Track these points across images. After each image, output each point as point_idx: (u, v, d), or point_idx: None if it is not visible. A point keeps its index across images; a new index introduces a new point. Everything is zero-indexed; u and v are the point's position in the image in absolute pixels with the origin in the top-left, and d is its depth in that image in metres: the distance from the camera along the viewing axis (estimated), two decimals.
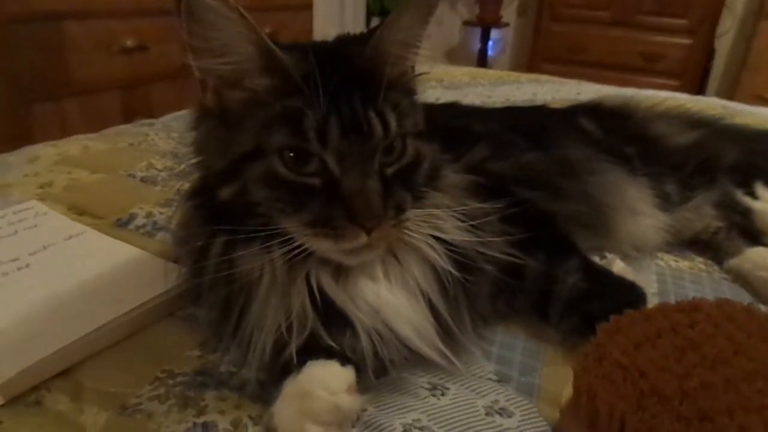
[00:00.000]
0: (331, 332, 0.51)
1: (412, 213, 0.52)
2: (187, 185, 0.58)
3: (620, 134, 0.92)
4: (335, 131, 0.48)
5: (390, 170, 0.52)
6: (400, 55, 0.54)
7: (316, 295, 0.51)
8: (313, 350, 0.51)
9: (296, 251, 0.50)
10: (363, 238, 0.48)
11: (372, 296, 0.52)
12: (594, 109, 1.03)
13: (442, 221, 0.55)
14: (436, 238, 0.54)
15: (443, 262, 0.54)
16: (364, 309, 0.52)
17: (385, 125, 0.50)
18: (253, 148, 0.50)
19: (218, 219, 0.52)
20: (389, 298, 0.53)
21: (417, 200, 0.54)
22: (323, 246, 0.50)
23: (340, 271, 0.53)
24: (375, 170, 0.50)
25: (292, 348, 0.50)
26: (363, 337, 0.51)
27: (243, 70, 0.50)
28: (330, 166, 0.49)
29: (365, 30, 0.58)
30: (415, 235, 0.53)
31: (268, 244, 0.50)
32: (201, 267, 0.53)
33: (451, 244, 0.54)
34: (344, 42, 0.57)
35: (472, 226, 0.55)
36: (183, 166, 0.57)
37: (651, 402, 0.41)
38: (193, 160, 0.56)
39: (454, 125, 0.73)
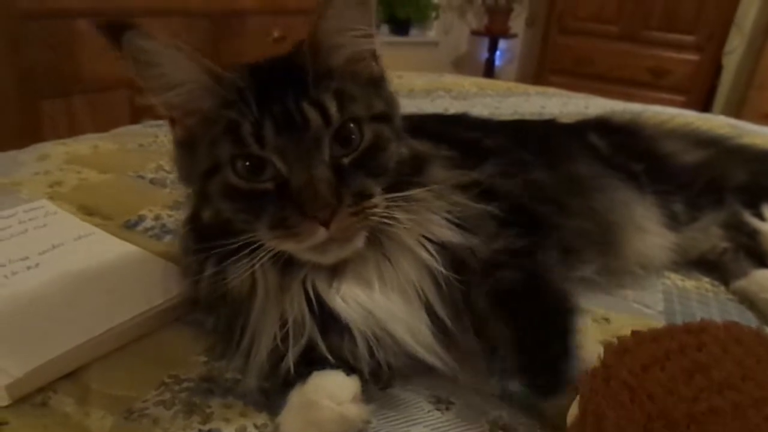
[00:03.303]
0: (329, 337, 0.52)
1: (381, 199, 0.51)
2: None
3: (628, 151, 0.91)
4: (270, 130, 0.49)
5: (347, 159, 0.51)
6: (338, 43, 0.54)
7: (313, 300, 0.52)
8: (318, 360, 0.52)
9: (275, 258, 0.51)
10: (321, 232, 0.48)
11: (366, 299, 0.52)
12: (602, 125, 1.03)
13: (429, 217, 0.54)
14: (429, 239, 0.54)
15: (437, 264, 0.53)
16: (359, 312, 0.52)
17: (324, 112, 0.50)
18: (210, 166, 0.52)
19: (208, 239, 0.53)
20: (383, 301, 0.52)
21: (393, 190, 0.53)
22: (290, 247, 0.50)
23: (335, 276, 0.53)
24: (323, 160, 0.49)
25: (290, 357, 0.50)
26: (359, 341, 0.51)
27: (193, 96, 0.52)
28: (278, 166, 0.50)
29: None
30: (404, 234, 0.53)
31: (250, 255, 0.51)
32: (199, 284, 0.55)
33: (444, 245, 0.54)
34: (294, 46, 0.56)
35: (464, 224, 0.55)
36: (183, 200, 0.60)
37: (658, 425, 0.41)
38: (187, 191, 0.59)
39: (465, 138, 0.73)
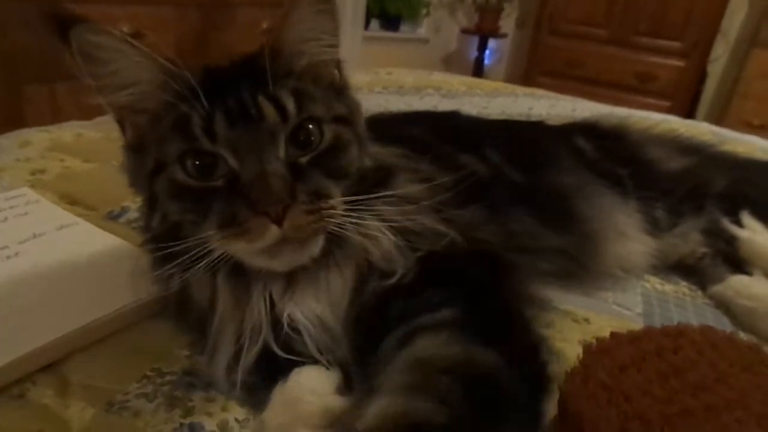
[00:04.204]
0: (282, 337, 0.52)
1: (339, 202, 0.50)
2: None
3: (614, 155, 0.93)
4: (221, 123, 0.47)
5: (304, 159, 0.50)
6: (301, 51, 0.53)
7: (267, 307, 0.51)
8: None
9: (230, 268, 0.50)
10: (273, 230, 0.45)
11: (318, 308, 0.52)
12: (589, 129, 1.04)
13: (380, 236, 0.53)
14: (369, 263, 0.53)
15: (357, 293, 0.53)
16: (311, 319, 0.52)
17: (281, 108, 0.49)
18: (155, 165, 0.50)
19: (165, 247, 0.50)
20: (330, 308, 0.52)
21: (354, 195, 0.51)
22: (239, 248, 0.48)
23: (289, 285, 0.52)
24: (278, 156, 0.48)
25: (240, 366, 0.50)
26: (310, 345, 0.51)
27: (145, 95, 0.51)
28: (229, 162, 0.48)
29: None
30: (351, 250, 0.52)
31: (199, 261, 0.48)
32: (166, 292, 0.54)
33: (381, 270, 0.53)
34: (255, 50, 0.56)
35: (415, 241, 0.54)
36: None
37: (634, 426, 0.42)
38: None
39: (456, 164, 0.69)
